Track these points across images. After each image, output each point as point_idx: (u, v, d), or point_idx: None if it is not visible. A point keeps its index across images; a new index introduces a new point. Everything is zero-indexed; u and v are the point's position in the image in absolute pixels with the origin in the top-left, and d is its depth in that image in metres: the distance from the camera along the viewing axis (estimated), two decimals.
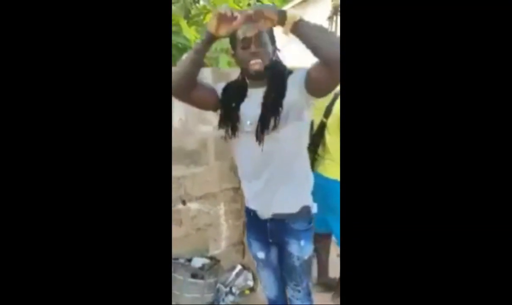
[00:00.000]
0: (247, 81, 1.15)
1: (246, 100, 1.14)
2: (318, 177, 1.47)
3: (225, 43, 2.29)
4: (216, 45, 2.28)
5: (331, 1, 5.15)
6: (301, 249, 1.20)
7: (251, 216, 1.29)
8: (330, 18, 4.85)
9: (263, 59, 1.06)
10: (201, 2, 2.63)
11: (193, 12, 2.61)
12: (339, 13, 4.59)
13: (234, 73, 2.02)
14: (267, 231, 1.24)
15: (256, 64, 1.05)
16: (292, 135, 1.10)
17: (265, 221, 1.23)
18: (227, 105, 1.16)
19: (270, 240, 1.27)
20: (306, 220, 1.20)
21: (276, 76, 1.10)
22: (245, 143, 1.15)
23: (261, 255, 1.34)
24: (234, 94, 1.17)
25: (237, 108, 1.14)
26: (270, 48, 1.09)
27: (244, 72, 1.13)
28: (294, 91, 1.06)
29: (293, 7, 7.92)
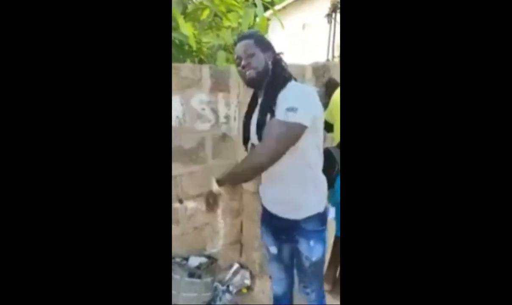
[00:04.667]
0: (257, 92, 1.25)
1: (255, 111, 1.24)
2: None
3: (223, 39, 2.26)
4: (214, 42, 2.25)
5: None
6: (310, 249, 1.21)
7: (266, 211, 1.32)
8: (328, 16, 4.83)
9: (254, 69, 1.15)
10: None
11: (190, 7, 2.58)
12: (338, 10, 4.57)
13: (232, 71, 2.01)
14: (279, 228, 1.28)
15: (248, 74, 1.15)
16: (304, 145, 1.12)
17: (278, 218, 1.25)
18: (244, 118, 1.29)
19: (283, 237, 1.30)
20: (317, 222, 1.21)
21: (270, 83, 1.16)
22: None
23: (273, 250, 1.36)
24: (249, 105, 1.29)
25: (249, 119, 1.26)
26: (260, 56, 1.16)
27: (246, 84, 1.22)
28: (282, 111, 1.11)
29: (291, 4, 7.88)
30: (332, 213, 1.24)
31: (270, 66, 1.17)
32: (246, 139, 1.28)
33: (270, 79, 1.16)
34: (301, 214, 1.19)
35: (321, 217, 1.22)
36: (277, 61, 1.19)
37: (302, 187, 1.17)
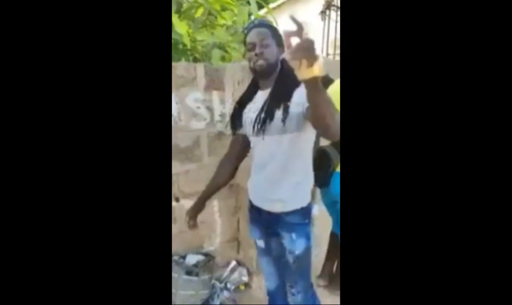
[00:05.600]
0: (259, 83, 1.24)
1: (254, 100, 1.24)
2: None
3: (218, 37, 2.26)
4: (208, 40, 2.25)
5: None
6: (292, 242, 1.21)
7: (252, 206, 1.33)
8: (322, 13, 4.83)
9: (266, 59, 1.14)
10: None
11: (184, 6, 2.57)
12: (332, 8, 4.57)
13: (227, 69, 2.01)
14: (264, 221, 1.28)
15: (259, 63, 1.14)
16: (295, 139, 1.14)
17: (263, 211, 1.26)
18: (236, 105, 1.28)
19: (269, 230, 1.29)
20: (300, 216, 1.21)
21: (281, 79, 1.17)
22: (252, 140, 1.25)
23: (260, 243, 1.36)
24: (244, 95, 1.28)
25: (243, 107, 1.25)
26: (274, 49, 1.17)
27: (252, 72, 1.21)
28: (297, 106, 1.10)
29: (286, 2, 7.86)
30: (315, 209, 1.25)
31: (280, 61, 1.17)
32: (234, 125, 1.28)
33: (281, 75, 1.16)
34: (285, 207, 1.19)
35: (304, 211, 1.22)
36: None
37: (287, 180, 1.18)
